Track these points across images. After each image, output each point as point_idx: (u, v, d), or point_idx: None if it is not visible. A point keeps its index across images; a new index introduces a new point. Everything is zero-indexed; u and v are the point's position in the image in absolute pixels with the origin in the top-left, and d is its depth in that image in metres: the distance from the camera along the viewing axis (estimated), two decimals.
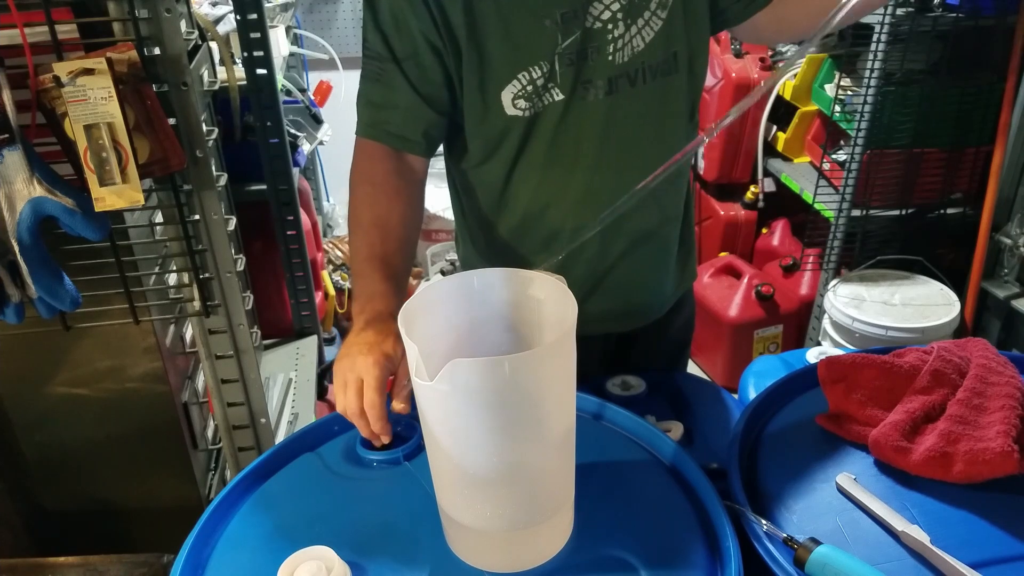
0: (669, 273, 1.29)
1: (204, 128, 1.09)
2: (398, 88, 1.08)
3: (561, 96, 1.08)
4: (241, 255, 1.25)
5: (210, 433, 1.44)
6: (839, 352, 1.05)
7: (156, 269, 1.21)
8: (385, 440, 0.91)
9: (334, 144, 2.38)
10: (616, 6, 1.05)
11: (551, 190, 1.15)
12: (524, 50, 1.06)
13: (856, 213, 2.32)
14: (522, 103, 1.08)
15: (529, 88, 1.07)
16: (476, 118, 1.10)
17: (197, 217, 1.12)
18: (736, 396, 1.32)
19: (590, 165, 1.13)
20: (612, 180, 1.13)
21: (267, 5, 1.97)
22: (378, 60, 1.09)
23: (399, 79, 1.08)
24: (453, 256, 3.41)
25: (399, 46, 1.07)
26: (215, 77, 1.55)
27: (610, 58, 1.07)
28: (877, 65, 2.09)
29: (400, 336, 0.76)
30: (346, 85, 2.83)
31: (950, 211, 2.36)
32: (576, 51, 1.06)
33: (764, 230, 3.03)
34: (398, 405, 0.91)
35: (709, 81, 2.79)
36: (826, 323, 2.41)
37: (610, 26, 1.06)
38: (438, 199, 3.32)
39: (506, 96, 1.08)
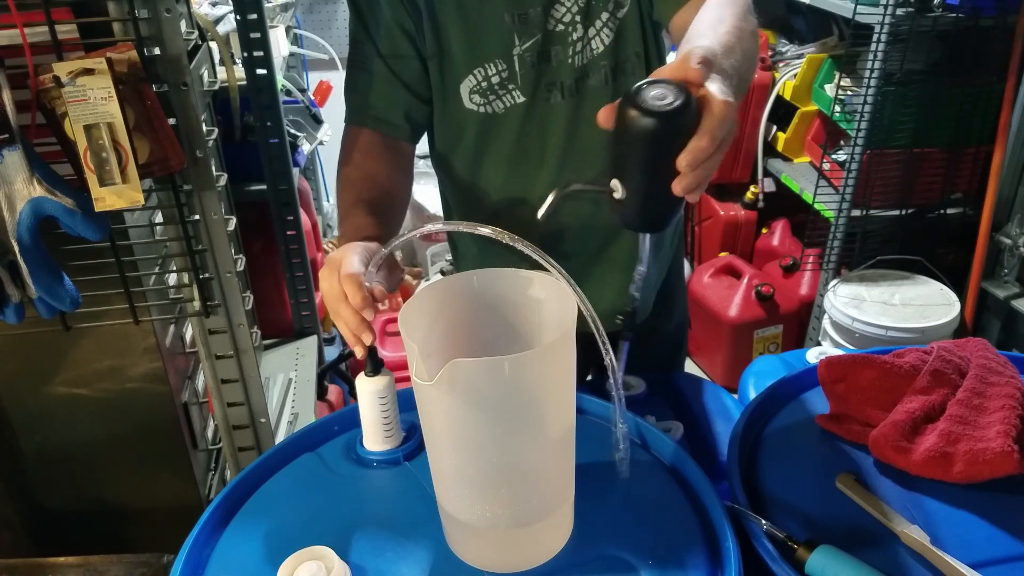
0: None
1: (204, 128, 1.09)
2: (377, 73, 1.09)
3: (523, 98, 1.09)
4: (241, 255, 1.25)
5: (210, 433, 1.44)
6: (839, 352, 1.05)
7: (156, 269, 1.21)
8: (366, 340, 0.84)
9: (334, 144, 2.35)
10: (575, 8, 1.06)
11: (517, 188, 1.16)
12: (480, 47, 1.07)
13: (856, 213, 2.32)
14: (478, 98, 1.10)
15: (484, 84, 1.08)
16: (439, 107, 1.12)
17: (197, 217, 1.12)
18: (736, 396, 1.31)
19: (555, 166, 1.14)
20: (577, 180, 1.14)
21: (267, 5, 1.97)
22: (358, 46, 1.10)
23: (378, 64, 1.09)
24: None
25: (374, 31, 1.08)
26: (215, 77, 1.55)
27: (570, 61, 1.08)
28: (877, 65, 2.09)
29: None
30: None
31: (950, 211, 2.36)
32: (537, 53, 1.07)
33: (764, 230, 3.03)
34: (378, 288, 0.84)
35: None
36: (826, 323, 2.41)
37: (569, 29, 1.07)
38: (437, 199, 3.31)
39: (464, 89, 1.09)
